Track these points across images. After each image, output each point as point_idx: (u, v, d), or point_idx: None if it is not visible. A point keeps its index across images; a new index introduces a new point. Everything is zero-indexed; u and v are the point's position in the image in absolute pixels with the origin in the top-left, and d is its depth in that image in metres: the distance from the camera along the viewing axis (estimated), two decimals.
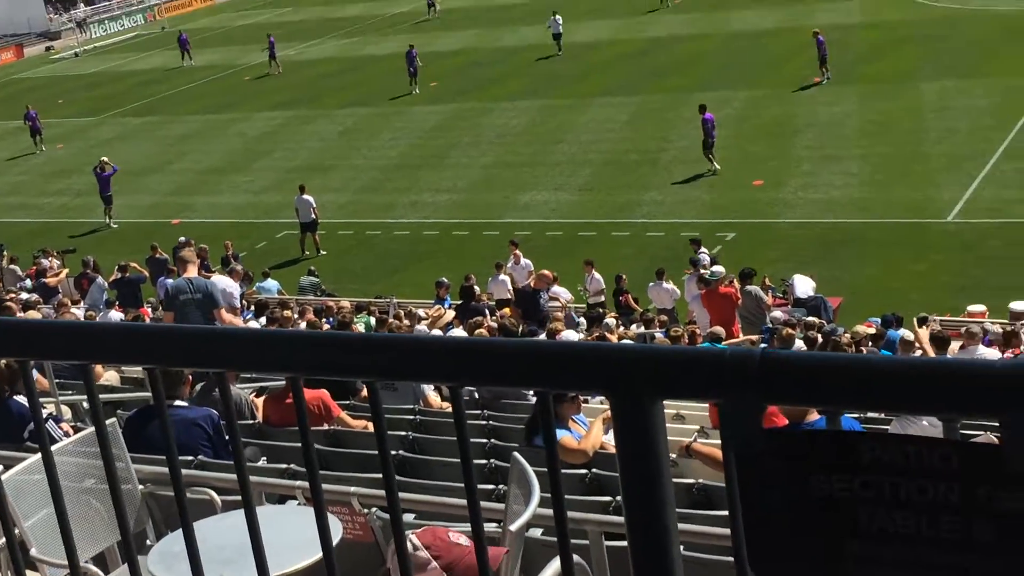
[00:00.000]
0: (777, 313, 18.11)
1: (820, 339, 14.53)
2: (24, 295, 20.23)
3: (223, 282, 13.78)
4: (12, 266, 25.47)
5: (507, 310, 19.31)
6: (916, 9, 45.58)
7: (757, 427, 1.48)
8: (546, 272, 20.17)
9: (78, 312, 19.09)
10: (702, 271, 19.17)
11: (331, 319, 17.62)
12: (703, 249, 21.75)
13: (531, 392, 10.85)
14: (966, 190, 26.04)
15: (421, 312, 19.36)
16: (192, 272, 12.26)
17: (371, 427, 9.26)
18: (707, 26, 48.76)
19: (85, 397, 10.46)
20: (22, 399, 8.51)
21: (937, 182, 26.90)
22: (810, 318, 17.03)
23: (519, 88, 42.52)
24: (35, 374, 9.61)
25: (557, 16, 47.55)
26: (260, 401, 10.10)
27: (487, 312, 18.99)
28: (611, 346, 1.66)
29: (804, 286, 19.51)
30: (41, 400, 8.52)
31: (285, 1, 78.88)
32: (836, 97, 34.85)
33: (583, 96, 39.72)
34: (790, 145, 31.18)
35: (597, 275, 21.56)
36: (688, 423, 9.83)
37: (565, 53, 46.69)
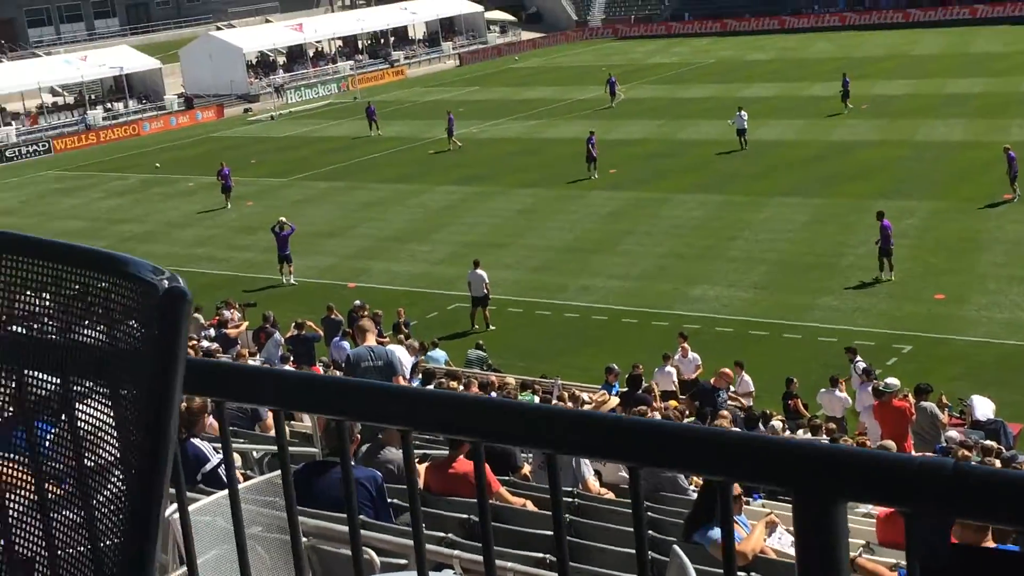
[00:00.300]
0: (953, 433, 17.47)
1: (999, 465, 13.96)
2: (205, 343, 21.04)
3: (400, 351, 14.26)
4: (196, 315, 26.47)
5: (672, 402, 19.19)
6: None
7: (944, 540, 1.46)
8: (727, 371, 19.98)
9: (254, 364, 19.71)
10: (876, 382, 18.71)
11: (495, 394, 17.76)
12: (859, 358, 21.21)
13: (691, 487, 10.76)
14: None
15: (585, 396, 19.36)
16: (371, 340, 12.61)
17: (530, 505, 9.30)
18: (894, 133, 48.01)
19: (254, 446, 10.81)
20: (198, 442, 8.87)
21: None
22: (988, 442, 16.40)
23: (698, 181, 42.49)
24: (211, 419, 10.00)
25: (742, 112, 47.73)
26: (422, 468, 10.25)
27: (651, 402, 18.87)
28: (800, 441, 1.67)
29: (984, 408, 18.80)
30: (215, 445, 8.86)
31: (474, 80, 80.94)
32: None
33: (762, 194, 39.47)
34: (975, 261, 30.30)
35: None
36: (852, 537, 9.57)
37: (746, 150, 46.66)
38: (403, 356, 14.23)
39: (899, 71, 65.73)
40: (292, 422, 13.43)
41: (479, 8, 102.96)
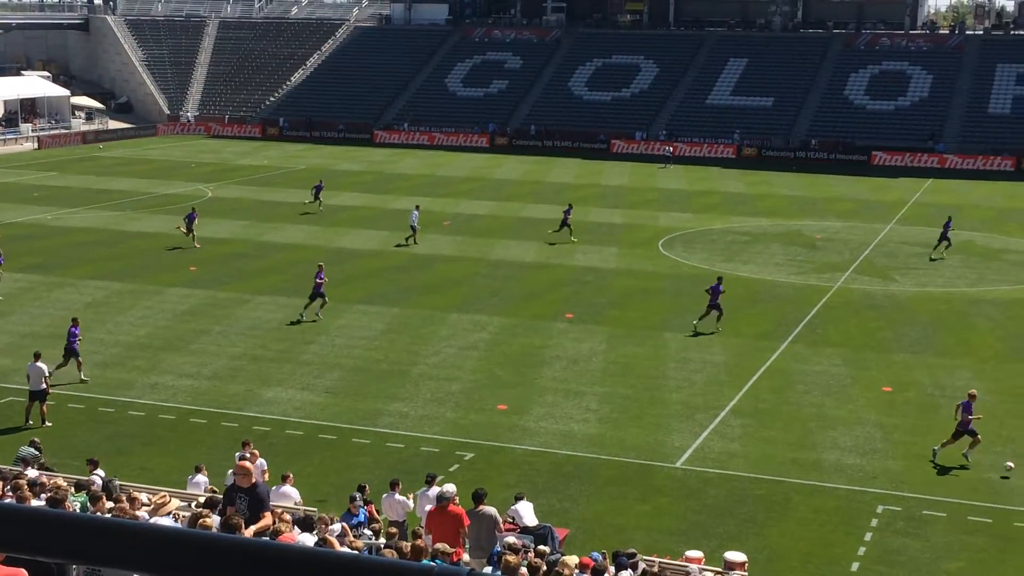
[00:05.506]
0: (510, 539, 18.11)
1: (545, 568, 14.64)
2: None
3: None
4: None
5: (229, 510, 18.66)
6: (668, 264, 48.17)
7: None
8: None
9: None
10: (434, 488, 19.12)
11: (43, 495, 16.64)
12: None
13: None
14: (696, 439, 27.11)
15: (144, 496, 18.53)
16: None
17: None
18: (472, 250, 50.14)
19: None
20: None
21: (670, 428, 27.92)
22: (542, 547, 17.12)
23: (279, 284, 42.41)
24: None
25: (416, 210, 52.17)
26: None
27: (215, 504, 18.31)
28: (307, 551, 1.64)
29: (528, 514, 19.62)
30: None
31: (53, 165, 77.33)
32: (585, 335, 36.10)
33: (343, 301, 39.87)
34: (536, 375, 31.89)
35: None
36: None
37: (413, 245, 49.52)
38: None
39: (481, 192, 68.96)
40: None
41: (65, 92, 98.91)
